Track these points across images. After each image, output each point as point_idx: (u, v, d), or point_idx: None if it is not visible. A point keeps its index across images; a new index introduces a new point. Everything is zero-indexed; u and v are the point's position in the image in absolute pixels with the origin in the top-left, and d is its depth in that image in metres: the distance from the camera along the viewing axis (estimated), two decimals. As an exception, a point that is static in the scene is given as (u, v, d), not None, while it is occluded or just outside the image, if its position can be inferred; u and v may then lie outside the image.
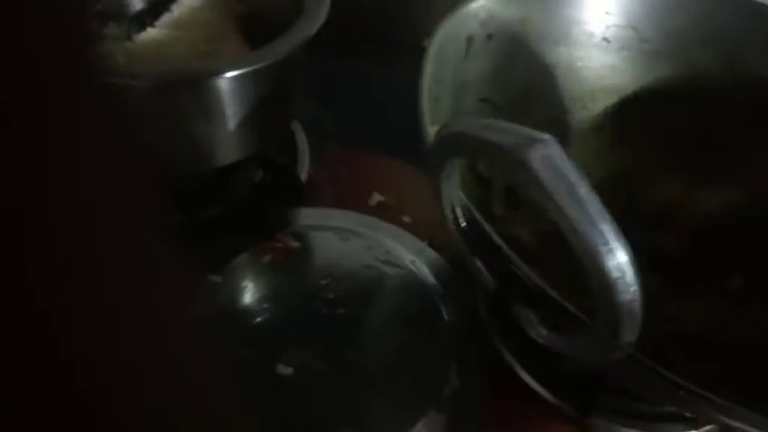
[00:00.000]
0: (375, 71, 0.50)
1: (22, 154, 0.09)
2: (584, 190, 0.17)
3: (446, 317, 0.37)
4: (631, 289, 0.17)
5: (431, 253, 0.40)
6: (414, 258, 0.40)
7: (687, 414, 0.28)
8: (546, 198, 0.17)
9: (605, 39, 0.40)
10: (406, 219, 0.42)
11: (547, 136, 0.17)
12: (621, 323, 0.17)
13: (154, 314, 0.11)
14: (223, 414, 0.14)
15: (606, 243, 0.16)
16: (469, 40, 0.34)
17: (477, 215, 0.23)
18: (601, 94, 0.41)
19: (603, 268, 0.17)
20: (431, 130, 0.26)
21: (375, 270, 0.39)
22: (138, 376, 0.11)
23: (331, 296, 0.37)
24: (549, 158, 0.17)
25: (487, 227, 0.23)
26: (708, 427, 0.34)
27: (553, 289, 0.22)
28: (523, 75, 0.38)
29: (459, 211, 0.23)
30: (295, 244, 0.39)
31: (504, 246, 0.23)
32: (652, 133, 0.41)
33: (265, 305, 0.36)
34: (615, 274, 0.17)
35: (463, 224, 0.24)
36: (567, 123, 0.40)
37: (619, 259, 0.17)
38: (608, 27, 0.40)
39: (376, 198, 0.43)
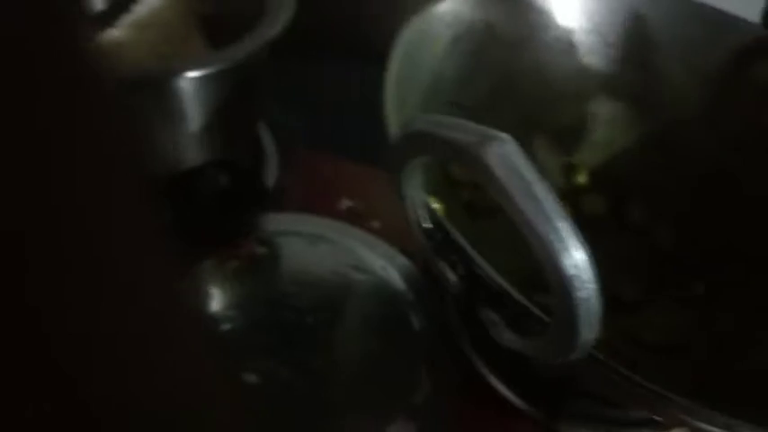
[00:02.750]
0: (343, 73, 0.50)
1: (19, 152, 0.08)
2: (540, 188, 0.16)
3: (416, 323, 0.37)
4: (588, 286, 0.17)
5: (401, 259, 0.39)
6: (384, 264, 0.39)
7: (654, 417, 0.28)
8: (502, 196, 0.16)
9: (570, 43, 0.40)
10: (375, 224, 0.42)
11: (504, 135, 0.17)
12: (578, 321, 0.17)
13: (148, 314, 0.11)
14: (218, 413, 0.14)
15: (561, 240, 0.16)
16: (435, 42, 0.34)
17: (441, 216, 0.23)
18: (567, 99, 0.41)
19: (559, 265, 0.16)
20: (394, 130, 0.25)
21: (344, 276, 0.38)
22: (133, 376, 0.11)
23: (299, 303, 0.36)
24: (506, 156, 0.16)
25: (451, 227, 0.23)
26: (678, 429, 0.34)
27: (515, 289, 0.21)
28: (491, 78, 0.38)
29: (422, 212, 0.23)
30: (261, 250, 0.38)
31: (467, 246, 0.23)
32: (619, 137, 0.41)
33: (231, 312, 0.35)
34: (571, 271, 0.16)
35: (426, 225, 0.23)
36: (536, 126, 0.40)
37: (575, 257, 0.16)
38: (573, 32, 0.40)
39: (345, 203, 0.43)
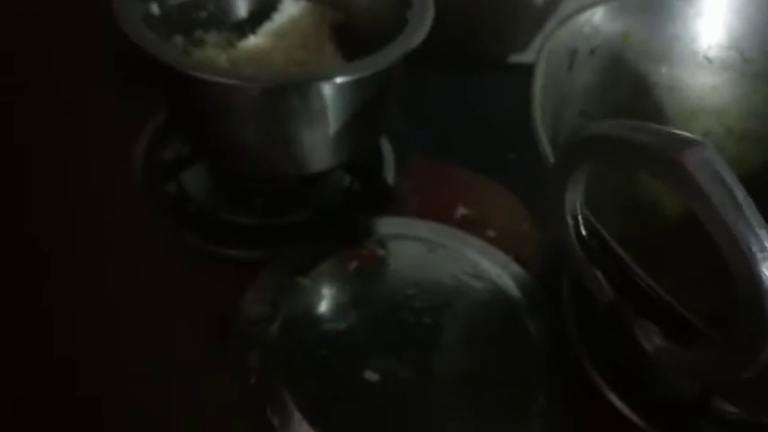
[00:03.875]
0: (461, 84, 0.50)
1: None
2: (741, 194, 0.16)
3: (532, 333, 0.37)
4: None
5: (516, 268, 0.39)
6: (500, 272, 0.39)
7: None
8: (701, 202, 0.16)
9: (707, 58, 0.39)
10: (490, 233, 0.42)
11: (703, 139, 0.17)
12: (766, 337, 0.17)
13: (155, 314, 0.12)
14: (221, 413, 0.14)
15: (764, 249, 0.16)
16: (573, 53, 0.34)
17: (599, 225, 0.23)
18: (701, 114, 0.40)
19: (758, 275, 0.16)
20: (545, 139, 0.25)
21: (461, 282, 0.38)
22: (137, 376, 0.11)
23: (417, 305, 0.37)
24: (706, 162, 0.16)
25: (609, 237, 0.23)
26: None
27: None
28: (623, 91, 0.37)
29: (580, 218, 0.23)
30: (382, 252, 0.39)
31: (625, 256, 0.22)
32: (752, 155, 0.40)
33: (352, 311, 0.36)
34: (771, 281, 0.16)
35: (584, 233, 0.23)
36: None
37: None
38: (710, 46, 0.39)
39: (460, 211, 0.43)
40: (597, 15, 0.35)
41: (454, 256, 0.40)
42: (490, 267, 0.39)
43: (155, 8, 0.37)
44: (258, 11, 0.42)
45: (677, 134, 0.17)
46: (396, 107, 0.42)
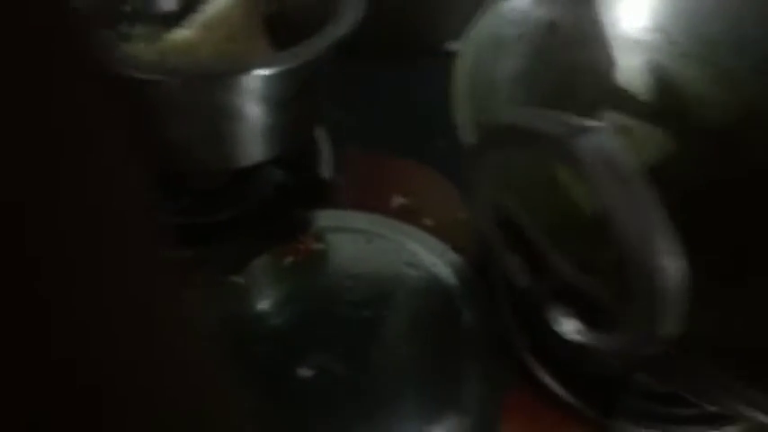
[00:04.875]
0: (394, 73, 0.50)
1: (29, 152, 0.09)
2: (633, 177, 0.16)
3: (468, 319, 0.37)
4: (679, 279, 0.17)
5: (453, 256, 0.40)
6: (436, 261, 0.39)
7: (720, 411, 0.28)
8: (595, 185, 0.17)
9: (635, 41, 0.40)
10: (427, 221, 0.42)
11: (599, 124, 0.17)
12: (664, 315, 0.17)
13: (152, 313, 0.12)
14: (222, 412, 0.14)
15: (658, 229, 0.16)
16: (499, 39, 0.34)
17: (515, 210, 0.23)
18: (630, 95, 0.40)
19: (651, 257, 0.16)
20: (467, 127, 0.26)
21: (398, 272, 0.38)
22: (137, 375, 0.11)
23: (353, 298, 0.37)
24: (599, 146, 0.17)
25: (525, 221, 0.23)
26: (731, 429, 0.34)
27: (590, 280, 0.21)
28: (552, 76, 0.38)
29: (493, 207, 0.23)
30: (317, 245, 0.39)
31: (541, 241, 0.23)
32: (682, 132, 0.41)
33: (287, 307, 0.36)
34: (663, 262, 0.16)
35: (499, 221, 0.23)
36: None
37: (669, 249, 0.16)
38: (636, 30, 0.40)
39: (397, 201, 0.43)
40: (524, 1, 0.35)
41: (391, 247, 0.40)
42: (427, 256, 0.40)
43: (77, 2, 0.35)
44: (187, 2, 0.41)
45: (573, 121, 0.17)
46: (329, 98, 0.41)
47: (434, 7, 0.50)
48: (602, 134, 0.17)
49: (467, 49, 0.30)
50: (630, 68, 0.40)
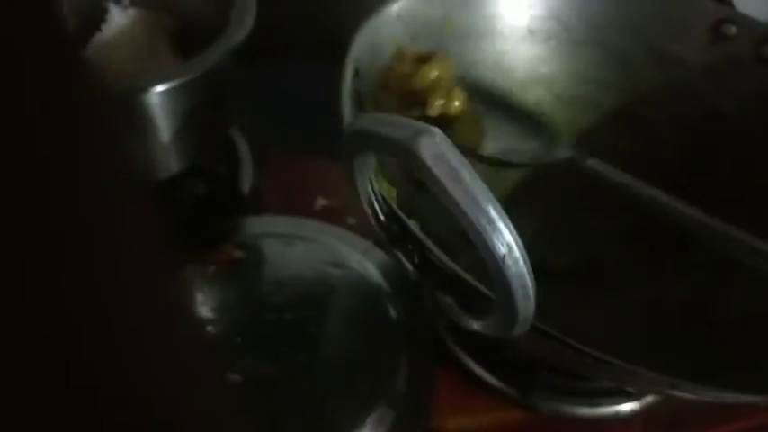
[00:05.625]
0: (316, 74, 0.51)
1: (19, 162, 0.09)
2: (467, 174, 0.17)
3: (394, 314, 0.38)
4: (519, 263, 0.18)
5: (377, 252, 0.40)
6: (360, 258, 0.40)
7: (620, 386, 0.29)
8: (435, 185, 0.18)
9: (530, 30, 0.41)
10: (351, 220, 0.43)
11: (434, 128, 0.18)
12: (515, 298, 0.18)
13: (147, 315, 0.12)
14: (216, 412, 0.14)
15: (491, 222, 0.17)
16: (392, 41, 0.35)
17: (395, 207, 0.24)
18: (532, 84, 0.42)
19: (490, 245, 0.18)
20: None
21: (321, 273, 0.39)
22: (133, 376, 0.11)
23: (277, 302, 0.37)
24: (435, 148, 0.18)
25: (405, 218, 0.24)
26: (649, 399, 0.35)
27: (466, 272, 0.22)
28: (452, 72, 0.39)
29: (377, 205, 0.24)
30: (239, 254, 0.39)
31: (420, 235, 0.24)
32: (582, 117, 0.42)
33: (211, 316, 0.36)
34: (502, 250, 0.18)
35: (382, 218, 0.24)
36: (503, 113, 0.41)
37: (504, 236, 0.18)
38: (531, 18, 0.41)
39: (320, 202, 0.44)
40: (413, 1, 0.36)
41: (313, 248, 0.40)
42: (350, 254, 0.40)
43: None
44: (86, 24, 0.41)
45: (412, 124, 0.18)
46: (244, 103, 0.42)
47: (344, 8, 0.50)
48: (437, 136, 0.18)
49: (354, 52, 0.31)
50: (530, 57, 0.42)
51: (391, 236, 0.24)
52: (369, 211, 0.24)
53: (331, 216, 0.42)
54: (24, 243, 0.09)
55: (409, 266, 0.25)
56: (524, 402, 0.35)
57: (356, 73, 0.32)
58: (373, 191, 0.24)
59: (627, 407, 0.35)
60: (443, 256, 0.22)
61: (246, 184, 0.44)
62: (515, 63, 0.42)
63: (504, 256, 0.18)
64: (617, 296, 0.34)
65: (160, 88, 0.33)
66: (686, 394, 0.22)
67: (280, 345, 0.36)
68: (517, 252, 0.18)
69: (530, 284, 0.18)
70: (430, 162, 0.17)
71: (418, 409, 0.35)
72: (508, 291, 0.18)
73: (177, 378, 0.13)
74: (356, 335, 0.37)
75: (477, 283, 0.22)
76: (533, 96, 0.42)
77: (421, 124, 0.18)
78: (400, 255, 0.25)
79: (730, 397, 0.22)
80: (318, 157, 0.46)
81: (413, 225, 0.24)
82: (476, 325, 0.23)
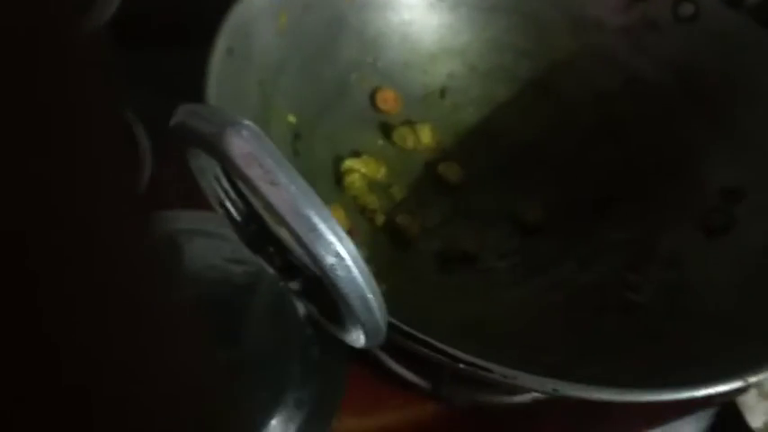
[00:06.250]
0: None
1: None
2: (283, 176, 0.15)
3: (302, 308, 0.36)
4: (352, 272, 0.15)
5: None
6: (266, 252, 0.38)
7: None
8: (247, 187, 0.15)
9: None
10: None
11: (245, 121, 0.15)
12: (355, 309, 0.16)
13: (144, 305, 0.11)
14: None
15: (313, 229, 0.15)
16: (279, 13, 0.32)
17: (253, 206, 0.22)
18: (443, 56, 0.39)
19: (315, 255, 0.15)
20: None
21: (221, 270, 0.37)
22: (129, 370, 0.11)
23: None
24: (245, 144, 0.15)
25: (265, 217, 0.22)
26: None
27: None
28: (351, 46, 0.36)
29: (228, 204, 0.22)
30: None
31: (283, 236, 0.21)
32: (499, 89, 0.40)
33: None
34: (329, 259, 0.15)
35: (238, 219, 0.22)
36: (408, 92, 0.38)
37: (330, 244, 0.15)
38: (436, -15, 0.38)
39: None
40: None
41: (213, 244, 0.38)
42: (254, 248, 0.38)
43: None
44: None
45: (222, 117, 0.16)
46: (128, 92, 0.38)
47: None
48: (247, 129, 0.15)
49: (228, 27, 0.28)
50: (440, 27, 0.39)
51: (249, 238, 0.22)
52: (219, 211, 0.21)
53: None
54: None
55: (270, 271, 0.22)
56: (437, 394, 0.33)
57: (230, 52, 0.29)
58: (222, 188, 0.21)
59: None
60: (309, 261, 0.20)
61: (145, 175, 0.41)
62: (423, 34, 0.39)
63: (333, 265, 0.15)
64: (527, 281, 0.32)
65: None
66: (573, 395, 0.21)
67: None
68: (348, 261, 0.15)
69: (370, 293, 0.16)
70: (239, 162, 0.15)
71: (328, 405, 0.34)
72: (346, 302, 0.16)
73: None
74: (262, 334, 0.35)
75: (339, 293, 0.19)
76: (446, 69, 0.40)
77: (231, 116, 0.15)
78: (260, 259, 0.22)
79: (618, 397, 0.20)
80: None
81: (275, 227, 0.21)
82: (338, 334, 0.21)
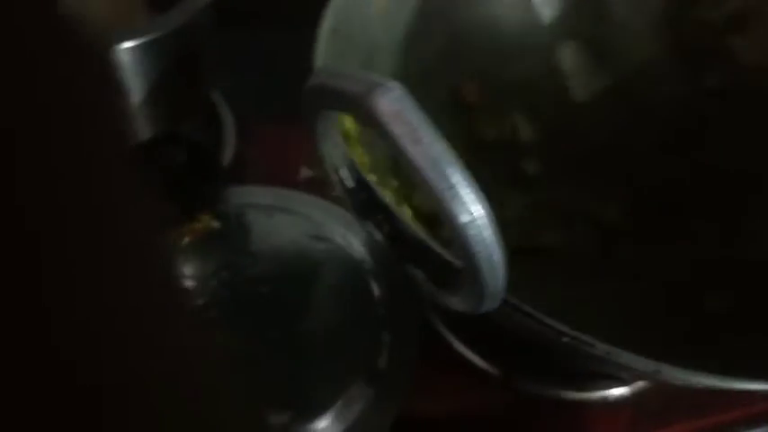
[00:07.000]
0: (303, 41, 0.49)
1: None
2: (426, 133, 0.16)
3: (377, 290, 0.36)
4: (485, 232, 0.16)
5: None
6: (344, 232, 0.39)
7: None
8: (392, 144, 0.16)
9: None
10: (336, 192, 0.41)
11: (392, 82, 0.16)
12: (480, 269, 0.17)
13: (150, 300, 0.11)
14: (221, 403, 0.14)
15: (451, 187, 0.16)
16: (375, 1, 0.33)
17: (363, 174, 0.22)
18: (525, 50, 0.40)
19: (452, 215, 0.16)
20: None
21: (303, 246, 0.38)
22: (136, 367, 0.11)
23: (254, 275, 0.36)
24: (392, 103, 0.16)
25: (373, 185, 0.22)
26: (640, 384, 0.34)
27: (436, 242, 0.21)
28: (439, 36, 0.37)
29: (344, 171, 0.22)
30: (215, 224, 0.38)
31: (390, 204, 0.22)
32: (579, 89, 0.40)
33: (186, 288, 0.35)
34: (465, 219, 0.16)
35: (350, 185, 0.23)
36: (492, 84, 0.39)
37: (467, 202, 0.16)
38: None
39: (304, 173, 0.42)
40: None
41: (296, 221, 0.39)
42: (334, 227, 0.39)
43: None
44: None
45: (368, 78, 0.16)
46: (220, 70, 0.40)
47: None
48: (395, 90, 0.16)
49: (332, 9, 0.29)
50: (521, 23, 0.39)
51: (359, 205, 0.23)
52: (334, 178, 0.22)
53: (315, 187, 0.41)
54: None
55: (379, 238, 0.23)
56: (507, 384, 0.33)
57: (335, 32, 0.30)
58: (339, 154, 0.22)
59: (616, 392, 0.33)
60: (414, 226, 0.21)
61: (229, 152, 0.43)
62: (508, 30, 0.39)
63: (466, 223, 0.16)
64: (608, 276, 0.32)
65: (127, 44, 0.31)
66: (673, 380, 0.21)
67: (257, 319, 0.34)
68: (483, 220, 0.16)
69: (497, 255, 0.17)
70: (385, 119, 0.16)
71: (396, 388, 0.34)
72: (473, 262, 0.17)
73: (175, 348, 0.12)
74: (336, 311, 0.35)
75: (446, 255, 0.20)
76: (525, 66, 0.40)
77: (379, 78, 0.16)
78: (370, 225, 0.23)
79: (720, 383, 0.20)
80: (304, 127, 0.44)
81: (382, 194, 0.22)
82: (446, 300, 0.21)
